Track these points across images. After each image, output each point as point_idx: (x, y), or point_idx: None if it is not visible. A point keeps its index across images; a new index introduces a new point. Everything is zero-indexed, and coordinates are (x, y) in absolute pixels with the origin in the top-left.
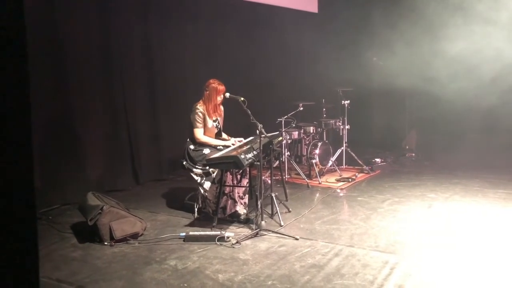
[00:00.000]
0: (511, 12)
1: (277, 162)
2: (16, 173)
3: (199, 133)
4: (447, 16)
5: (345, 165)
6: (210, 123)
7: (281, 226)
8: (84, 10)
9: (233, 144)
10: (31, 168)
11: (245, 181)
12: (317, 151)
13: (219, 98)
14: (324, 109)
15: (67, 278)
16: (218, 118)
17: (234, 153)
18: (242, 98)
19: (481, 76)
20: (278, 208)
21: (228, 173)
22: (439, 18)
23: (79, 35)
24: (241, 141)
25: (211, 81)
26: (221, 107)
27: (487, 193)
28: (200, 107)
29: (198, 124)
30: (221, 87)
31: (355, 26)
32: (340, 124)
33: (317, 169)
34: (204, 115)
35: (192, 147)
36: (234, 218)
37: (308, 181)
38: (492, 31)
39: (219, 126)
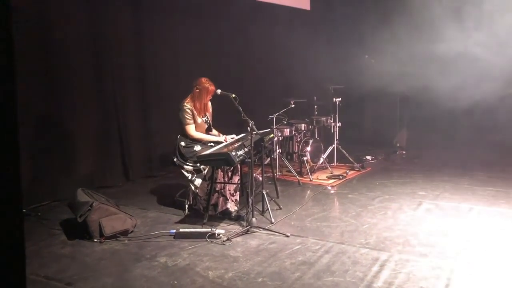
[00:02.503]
0: (504, 14)
1: (268, 159)
2: (2, 169)
3: (191, 129)
4: (440, 15)
5: (336, 162)
6: (199, 119)
7: (272, 223)
8: (73, 5)
9: (225, 141)
10: (17, 164)
11: (236, 178)
12: (308, 148)
13: (208, 98)
14: (315, 107)
15: (56, 275)
16: (207, 114)
17: (225, 150)
18: (233, 95)
19: (471, 75)
20: (269, 205)
21: (219, 170)
22: (432, 17)
23: (69, 30)
24: (233, 138)
25: (202, 80)
26: (209, 104)
27: (476, 190)
28: (188, 104)
29: (188, 121)
30: (212, 88)
31: (347, 23)
32: (332, 121)
33: (308, 166)
34: (192, 111)
35: (183, 143)
36: (225, 215)
37: (299, 178)
38: (483, 32)
39: (208, 122)
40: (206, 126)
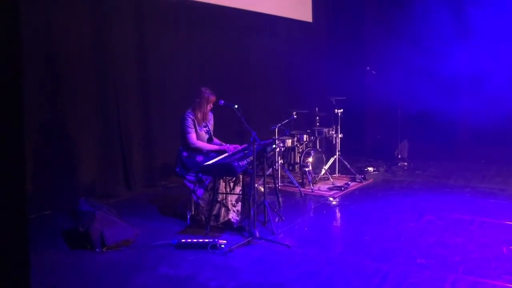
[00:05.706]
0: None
1: (270, 169)
2: (8, 178)
3: (192, 138)
4: (441, 29)
5: (338, 173)
6: (200, 129)
7: (274, 234)
8: (77, 15)
9: (229, 151)
10: (23, 173)
11: (238, 189)
12: (310, 159)
13: (209, 107)
14: (317, 118)
15: (57, 284)
16: (208, 124)
17: (227, 160)
18: (236, 106)
19: (472, 87)
20: (271, 216)
21: (221, 180)
22: (433, 30)
23: (73, 40)
24: (237, 147)
25: (202, 89)
26: (211, 114)
27: (478, 202)
28: (190, 114)
29: (189, 130)
30: (213, 97)
31: (349, 35)
32: (333, 132)
33: (310, 177)
34: (194, 121)
35: (185, 154)
36: (226, 226)
37: (301, 189)
38: (483, 46)
39: (209, 132)
40: (207, 137)
